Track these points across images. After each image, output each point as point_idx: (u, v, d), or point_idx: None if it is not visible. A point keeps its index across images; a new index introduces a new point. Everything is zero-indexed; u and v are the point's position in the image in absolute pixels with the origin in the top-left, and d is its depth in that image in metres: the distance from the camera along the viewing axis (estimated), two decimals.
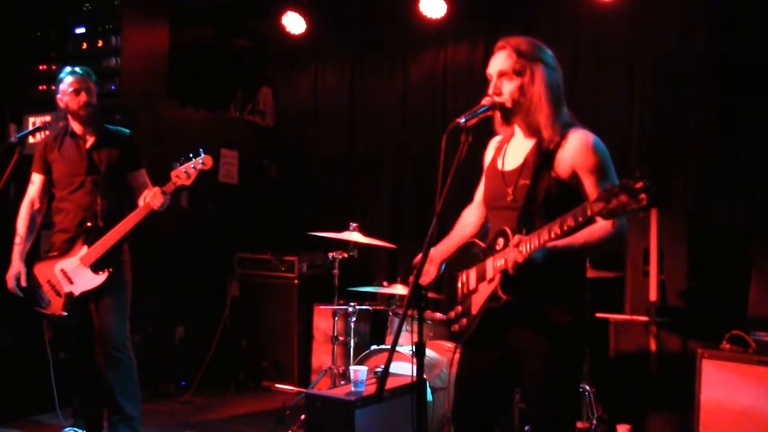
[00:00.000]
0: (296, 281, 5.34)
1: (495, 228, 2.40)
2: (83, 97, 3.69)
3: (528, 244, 2.13)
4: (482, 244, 2.41)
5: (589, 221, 2.00)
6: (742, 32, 4.21)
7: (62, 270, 3.68)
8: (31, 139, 4.37)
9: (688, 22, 4.42)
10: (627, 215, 1.98)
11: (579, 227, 2.04)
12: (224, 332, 5.42)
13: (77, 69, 3.74)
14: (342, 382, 4.19)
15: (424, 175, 5.36)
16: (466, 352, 2.46)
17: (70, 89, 3.68)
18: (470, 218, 2.68)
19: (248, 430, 4.45)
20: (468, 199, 2.73)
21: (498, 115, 2.35)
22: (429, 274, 2.54)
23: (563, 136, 2.28)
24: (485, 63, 2.41)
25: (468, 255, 2.45)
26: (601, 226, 2.16)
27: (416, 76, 5.54)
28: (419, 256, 2.22)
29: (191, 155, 3.59)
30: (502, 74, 2.33)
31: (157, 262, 4.89)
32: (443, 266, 2.57)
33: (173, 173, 3.57)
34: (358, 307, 4.44)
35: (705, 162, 4.37)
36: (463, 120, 2.24)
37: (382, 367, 3.77)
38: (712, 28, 4.32)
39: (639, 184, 1.82)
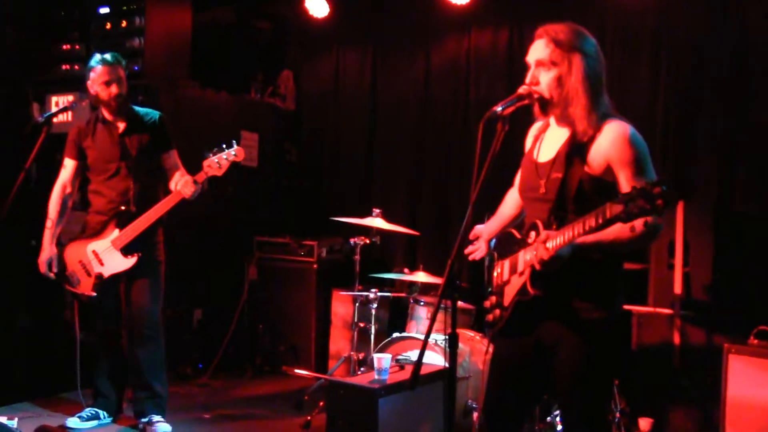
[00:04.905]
0: (315, 266, 5.31)
1: (529, 219, 2.38)
2: (114, 89, 3.68)
3: (555, 241, 2.11)
4: (518, 235, 2.38)
5: (611, 222, 1.94)
6: None
7: (94, 251, 3.69)
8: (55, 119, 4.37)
9: (717, 9, 4.33)
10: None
11: (605, 225, 1.97)
12: (242, 316, 5.41)
13: (108, 57, 3.71)
14: (361, 369, 4.18)
15: (444, 161, 5.30)
16: (499, 341, 2.45)
17: (101, 80, 3.67)
18: (512, 200, 2.68)
19: (265, 414, 4.45)
20: (503, 186, 2.71)
21: (535, 105, 2.31)
22: (480, 249, 2.63)
23: (598, 128, 2.23)
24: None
25: (507, 245, 2.43)
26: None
27: (438, 62, 5.45)
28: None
29: (224, 146, 3.56)
30: (539, 64, 2.29)
31: (175, 245, 4.87)
32: (492, 242, 2.62)
33: (205, 162, 3.55)
34: (379, 293, 4.41)
35: (732, 152, 4.30)
36: (500, 108, 2.20)
37: (406, 354, 3.78)
38: (741, 15, 4.23)
39: (657, 189, 1.78)
